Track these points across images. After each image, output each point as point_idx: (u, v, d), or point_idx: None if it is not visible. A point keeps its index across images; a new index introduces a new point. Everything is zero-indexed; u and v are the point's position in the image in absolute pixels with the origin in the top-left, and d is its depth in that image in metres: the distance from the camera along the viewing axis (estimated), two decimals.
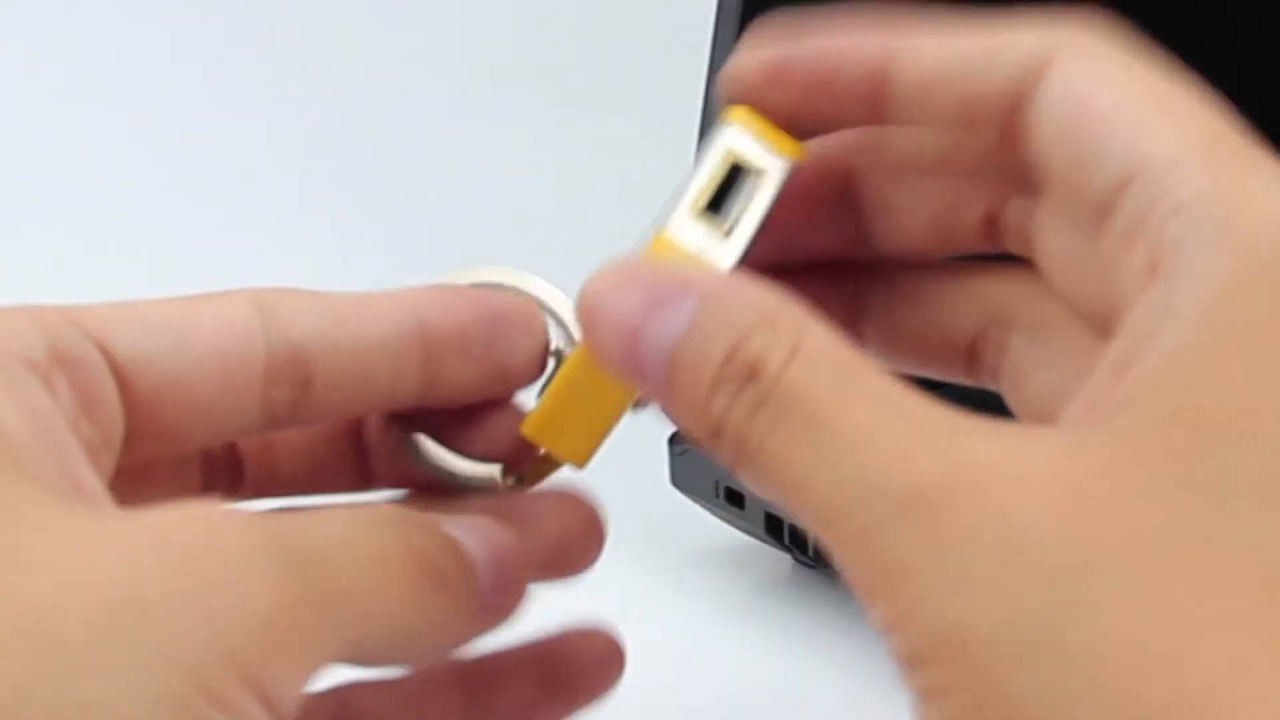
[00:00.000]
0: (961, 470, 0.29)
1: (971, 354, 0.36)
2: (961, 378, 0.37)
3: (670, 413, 0.32)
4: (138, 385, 0.35)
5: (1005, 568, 0.28)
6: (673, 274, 0.32)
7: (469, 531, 0.35)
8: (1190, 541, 0.28)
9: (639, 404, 0.37)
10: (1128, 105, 0.31)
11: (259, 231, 0.86)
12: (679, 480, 0.63)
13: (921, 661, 0.28)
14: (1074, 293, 0.35)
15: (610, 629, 0.38)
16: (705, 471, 0.62)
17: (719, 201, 0.35)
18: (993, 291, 0.36)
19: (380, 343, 0.37)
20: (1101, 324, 0.34)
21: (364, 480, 0.40)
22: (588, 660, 0.38)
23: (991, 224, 0.36)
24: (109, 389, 0.34)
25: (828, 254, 0.37)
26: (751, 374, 0.31)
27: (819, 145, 0.36)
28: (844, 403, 0.30)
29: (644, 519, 0.64)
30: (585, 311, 0.33)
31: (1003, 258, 0.36)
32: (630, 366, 0.32)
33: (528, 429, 0.37)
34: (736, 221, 0.35)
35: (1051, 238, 0.35)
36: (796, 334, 0.31)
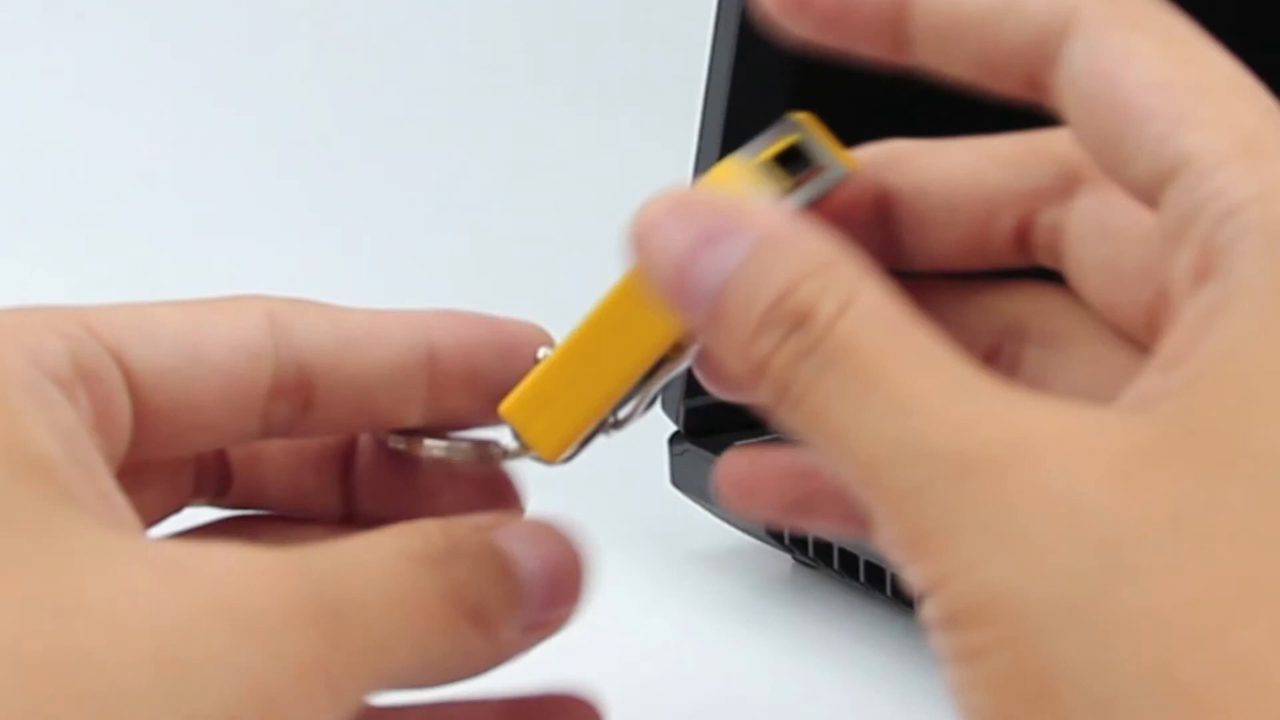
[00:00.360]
0: (1012, 439, 0.29)
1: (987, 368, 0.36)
2: None
3: (713, 348, 0.32)
4: (149, 400, 0.35)
5: (1053, 535, 0.28)
6: (732, 208, 0.32)
7: (522, 542, 0.35)
8: (1238, 518, 0.28)
9: (618, 423, 0.36)
10: (1161, 87, 0.31)
11: (260, 231, 0.86)
12: (679, 480, 0.63)
13: (961, 623, 0.28)
14: (1105, 299, 0.35)
15: (593, 698, 0.37)
16: (705, 471, 0.61)
17: (773, 170, 0.34)
18: (1005, 306, 0.36)
19: (386, 370, 0.37)
20: (1135, 329, 0.34)
21: (347, 504, 0.40)
22: None
23: (1022, 237, 0.35)
24: (123, 403, 0.35)
25: None
26: (801, 320, 0.30)
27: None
28: (894, 361, 0.30)
29: (644, 519, 0.63)
30: (638, 237, 0.32)
31: (1021, 273, 0.36)
32: (678, 297, 0.32)
33: (505, 409, 0.37)
34: (785, 194, 0.34)
35: (1082, 246, 0.35)
36: (851, 286, 0.30)
